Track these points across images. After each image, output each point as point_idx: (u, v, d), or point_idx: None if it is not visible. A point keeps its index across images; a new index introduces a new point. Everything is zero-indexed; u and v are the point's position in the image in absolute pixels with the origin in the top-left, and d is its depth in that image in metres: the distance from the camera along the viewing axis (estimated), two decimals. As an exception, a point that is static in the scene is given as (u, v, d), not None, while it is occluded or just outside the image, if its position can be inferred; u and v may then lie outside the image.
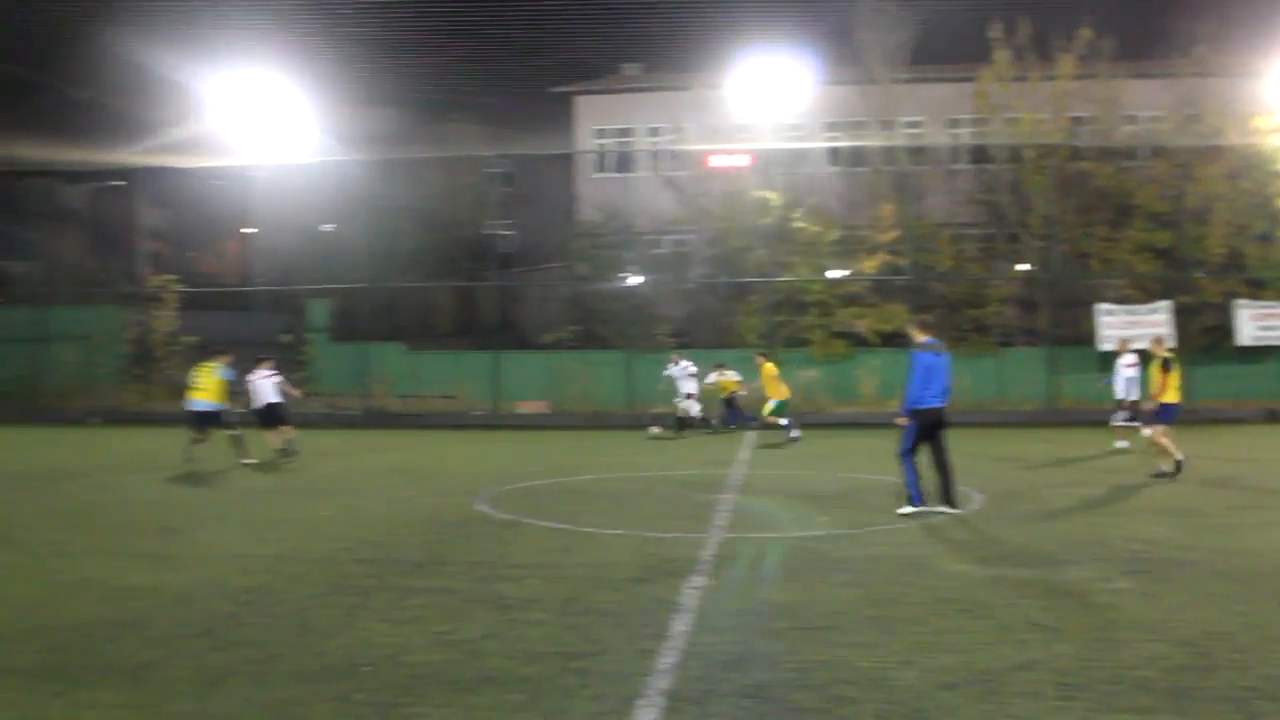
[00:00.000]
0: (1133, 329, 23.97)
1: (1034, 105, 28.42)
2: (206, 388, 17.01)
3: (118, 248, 44.34)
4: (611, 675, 5.78)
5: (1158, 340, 15.50)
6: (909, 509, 11.05)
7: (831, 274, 29.19)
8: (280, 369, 18.69)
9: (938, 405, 11.15)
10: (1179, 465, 13.98)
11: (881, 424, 22.20)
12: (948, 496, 11.18)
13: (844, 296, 28.47)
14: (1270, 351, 26.71)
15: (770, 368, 21.80)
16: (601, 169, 36.99)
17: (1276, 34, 27.72)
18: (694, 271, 32.32)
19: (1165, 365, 14.40)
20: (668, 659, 6.03)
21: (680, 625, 6.75)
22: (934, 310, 27.67)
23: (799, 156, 30.94)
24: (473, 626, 6.79)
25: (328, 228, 36.51)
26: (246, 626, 6.85)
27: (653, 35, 36.16)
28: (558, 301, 32.85)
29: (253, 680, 5.74)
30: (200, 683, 5.71)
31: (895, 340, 26.33)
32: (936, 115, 31.83)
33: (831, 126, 32.77)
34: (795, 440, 20.42)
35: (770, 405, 21.38)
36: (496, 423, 25.69)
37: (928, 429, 11.15)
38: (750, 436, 21.73)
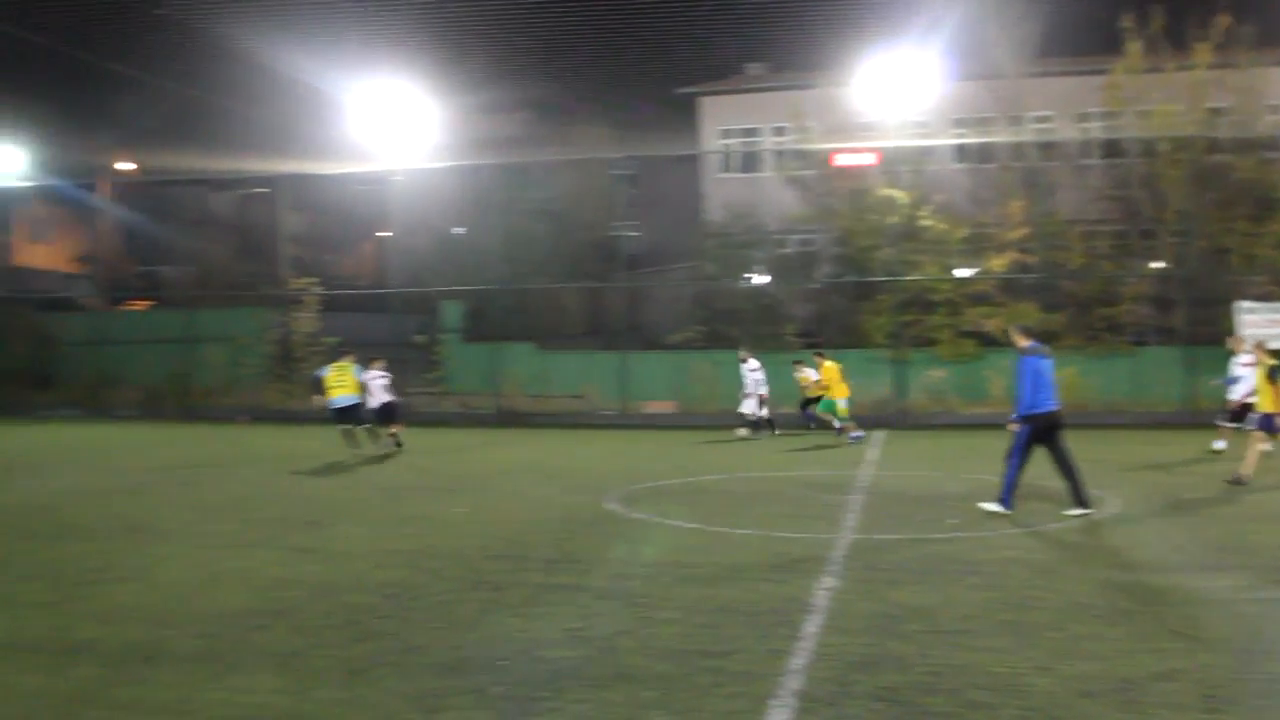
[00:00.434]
0: (1276, 327, 22.96)
1: (1169, 97, 27.38)
2: (344, 384, 18.22)
3: (261, 252, 46.10)
4: (744, 674, 5.83)
5: (1258, 344, 14.77)
6: (995, 507, 10.94)
7: (959, 272, 28.64)
8: (390, 369, 19.46)
9: (1054, 408, 11.00)
10: (1241, 480, 13.25)
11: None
12: (1079, 497, 10.95)
13: (972, 295, 27.89)
14: None
15: (831, 367, 21.41)
16: (727, 169, 36.97)
17: None
18: (820, 271, 32.03)
19: (1271, 375, 13.56)
20: (799, 659, 6.05)
21: (811, 626, 6.77)
22: (1065, 310, 27.02)
23: (925, 154, 30.42)
24: (605, 623, 6.91)
25: (460, 231, 37.31)
26: (387, 619, 7.09)
27: (777, 34, 35.93)
28: (684, 302, 32.94)
29: (395, 671, 5.95)
30: (345, 672, 5.94)
31: None
32: (1066, 109, 30.93)
33: (958, 123, 32.13)
34: (858, 440, 20.15)
35: (840, 405, 21.05)
36: (624, 422, 25.90)
37: (1043, 433, 10.99)
38: (878, 436, 21.49)
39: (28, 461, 18.12)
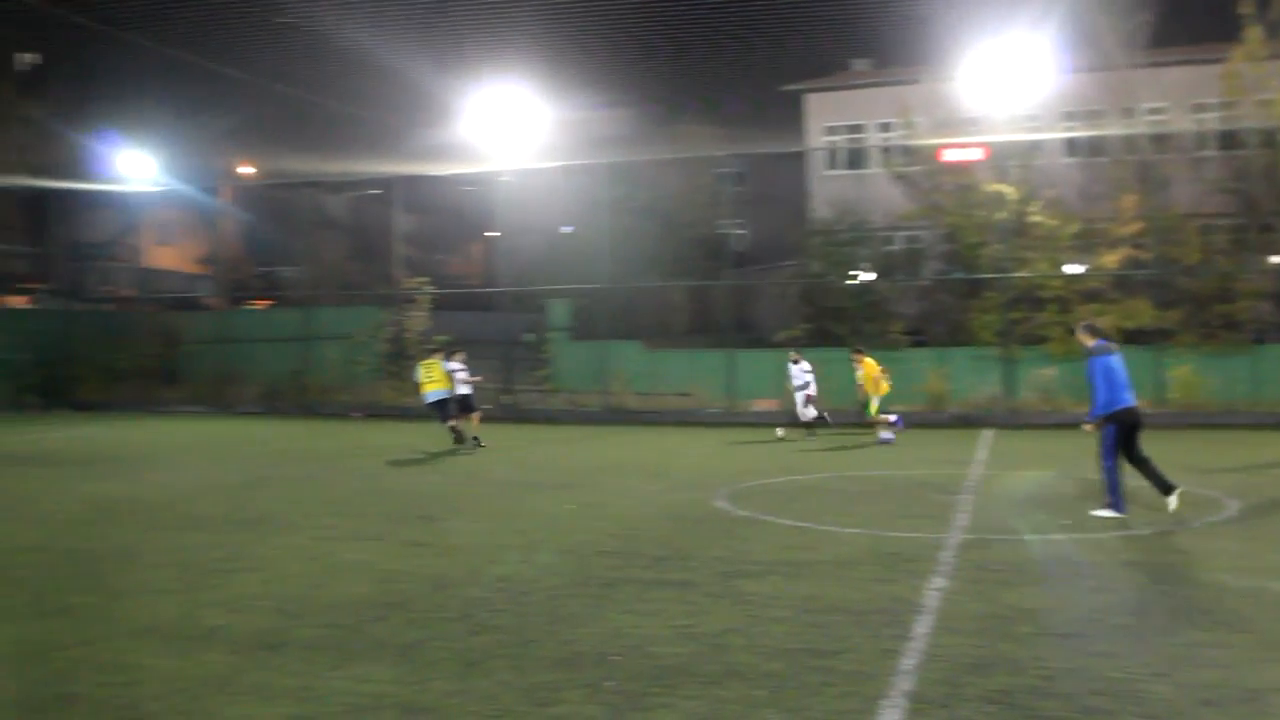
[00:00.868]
0: None
1: (1290, 84, 26.43)
2: (436, 379, 19.17)
3: (375, 252, 47.14)
4: (854, 674, 5.82)
5: None
6: (1108, 512, 10.71)
7: (1070, 269, 27.97)
8: (468, 362, 20.24)
9: (1132, 404, 10.86)
10: None
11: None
12: (1164, 484, 10.83)
13: (1084, 292, 27.21)
14: None
15: (871, 364, 20.98)
16: (833, 166, 36.70)
17: None
18: (927, 268, 31.62)
19: None
20: (910, 660, 6.02)
21: (922, 626, 6.72)
22: (1181, 307, 26.19)
23: (1035, 148, 29.78)
24: (715, 621, 6.96)
25: (568, 230, 37.67)
26: (500, 613, 7.23)
27: (882, 29, 35.59)
28: (790, 299, 32.79)
29: (509, 664, 6.07)
30: (461, 664, 6.08)
31: (1139, 337, 25.06)
32: (1181, 100, 29.99)
33: (1068, 116, 31.37)
34: (887, 442, 19.74)
35: (874, 403, 20.65)
36: (731, 420, 25.88)
37: (1128, 430, 10.83)
38: (987, 435, 21.12)
39: (156, 455, 18.87)
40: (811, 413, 21.71)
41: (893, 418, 20.57)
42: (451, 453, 18.48)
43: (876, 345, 26.98)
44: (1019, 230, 27.98)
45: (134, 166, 34.43)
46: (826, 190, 34.11)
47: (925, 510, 11.81)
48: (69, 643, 6.55)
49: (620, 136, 37.20)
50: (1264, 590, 7.72)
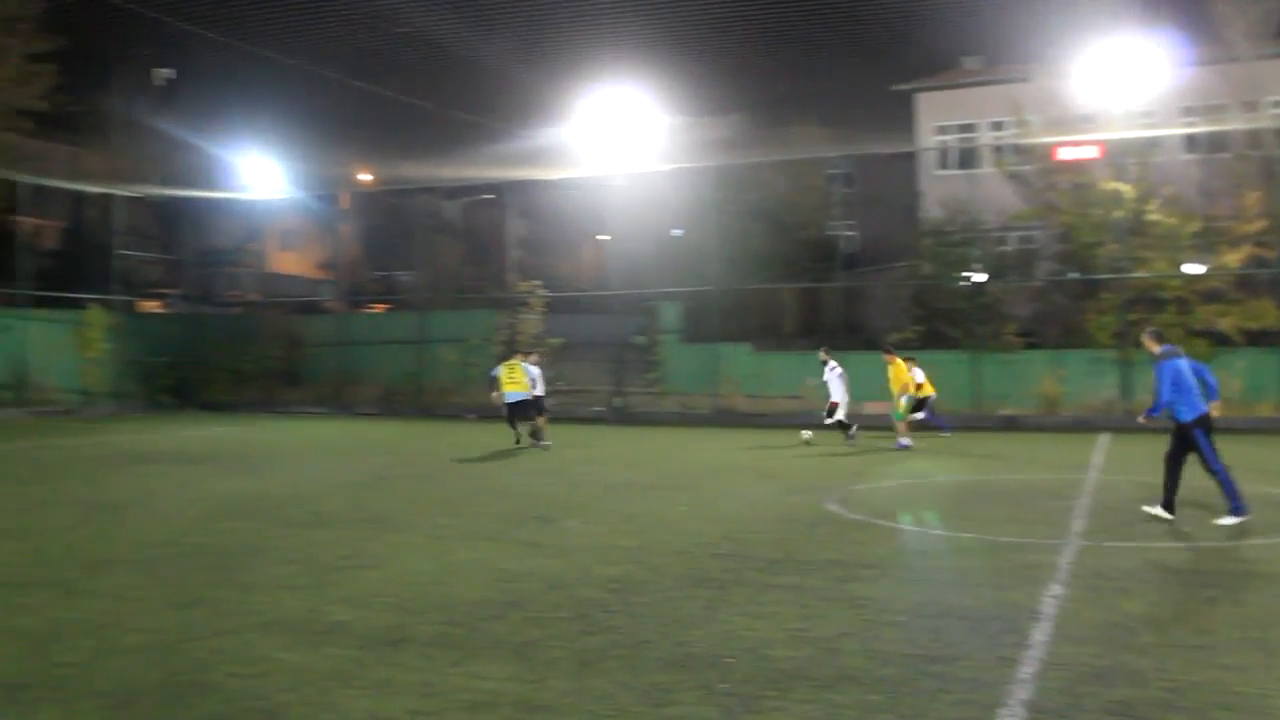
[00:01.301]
0: None
1: None
2: (515, 380, 19.88)
3: (489, 256, 47.93)
4: (971, 681, 5.76)
5: None
6: (1230, 519, 10.51)
7: (1190, 268, 27.07)
8: (541, 363, 21.09)
9: (1205, 410, 10.81)
10: None
11: (1251, 429, 20.45)
12: (1170, 501, 10.87)
13: (1205, 292, 26.31)
14: None
15: (900, 366, 20.36)
16: (944, 166, 36.15)
17: None
18: (1041, 268, 30.96)
19: None
20: (1027, 668, 5.93)
21: (1039, 634, 6.61)
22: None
23: (1153, 144, 28.89)
24: (829, 625, 6.94)
25: (678, 233, 37.77)
26: (615, 613, 7.32)
27: (993, 25, 34.87)
28: (902, 301, 32.39)
29: (624, 664, 6.15)
30: (577, 663, 6.18)
31: (1262, 339, 24.14)
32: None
33: (1188, 111, 30.38)
34: (904, 448, 19.25)
35: (903, 404, 20.05)
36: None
37: (1206, 433, 10.72)
38: (1104, 439, 20.56)
39: (281, 454, 19.50)
40: (840, 416, 20.94)
41: (921, 417, 20.07)
42: (516, 451, 19.23)
43: (990, 348, 26.55)
44: (1136, 229, 27.22)
45: (259, 175, 35.62)
46: (938, 190, 33.60)
47: (1040, 515, 11.59)
48: (203, 634, 6.84)
49: (730, 139, 37.15)
50: (1406, 604, 7.41)
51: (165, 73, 41.69)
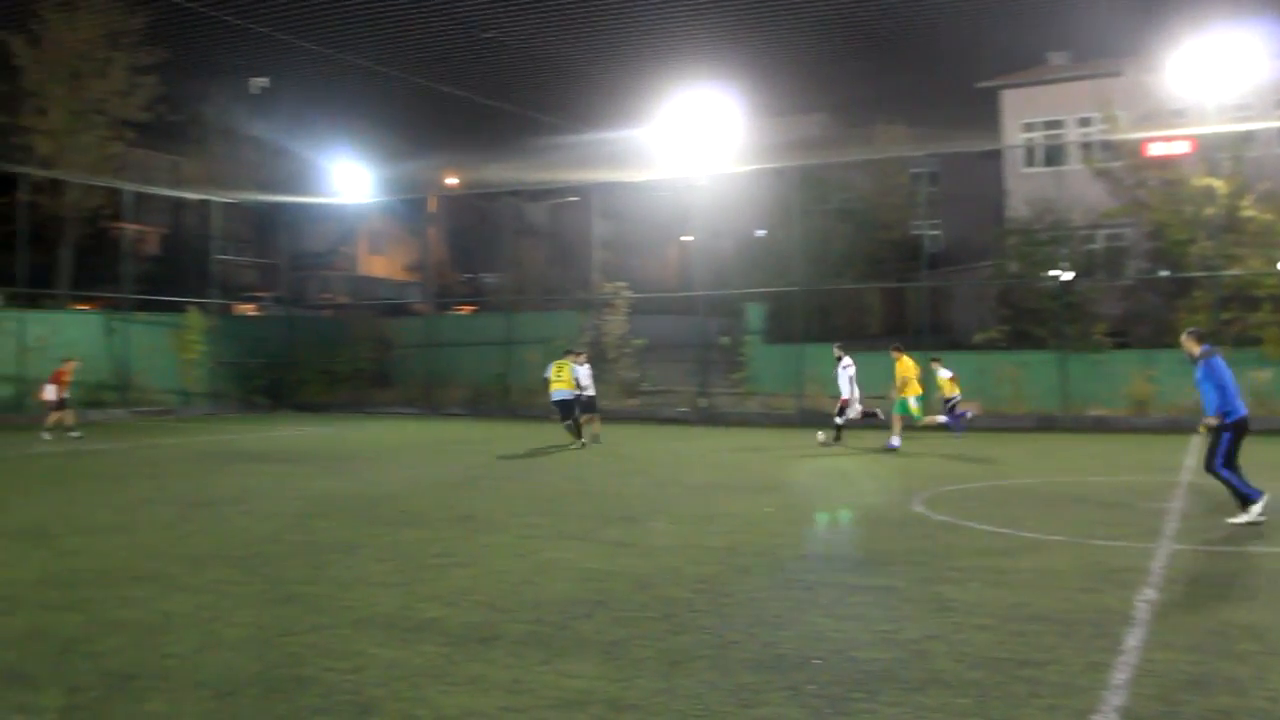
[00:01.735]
0: None
1: None
2: (562, 379, 20.10)
3: (574, 258, 48.27)
4: (1062, 686, 5.68)
5: None
6: (1247, 518, 10.48)
7: None
8: (590, 362, 21.58)
9: (1246, 413, 10.73)
10: None
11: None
12: (1246, 495, 10.69)
13: (1302, 291, 25.53)
14: None
15: (908, 363, 19.81)
16: (1030, 163, 35.53)
17: None
18: (1130, 267, 30.30)
19: None
20: (1121, 674, 5.84)
21: (1132, 639, 6.50)
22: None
23: (1247, 139, 28.05)
24: (916, 627, 6.90)
25: (762, 233, 37.68)
26: (702, 613, 7.34)
27: (1080, 19, 34.15)
28: (988, 301, 31.92)
29: (711, 664, 6.17)
30: (664, 663, 6.21)
31: None
32: None
33: (1284, 103, 29.51)
34: (893, 448, 18.93)
35: (912, 403, 19.52)
36: (925, 423, 25.34)
37: (1240, 437, 10.65)
38: (1197, 441, 19.96)
39: (372, 454, 19.88)
40: (853, 414, 20.60)
41: (897, 434, 19.62)
42: (561, 448, 19.71)
43: (1078, 347, 26.04)
44: (1230, 226, 26.50)
45: (350, 180, 36.33)
46: (1024, 188, 33.04)
47: (1132, 518, 11.37)
48: (299, 629, 7.01)
49: (813, 139, 36.97)
50: None
51: (260, 82, 42.75)
